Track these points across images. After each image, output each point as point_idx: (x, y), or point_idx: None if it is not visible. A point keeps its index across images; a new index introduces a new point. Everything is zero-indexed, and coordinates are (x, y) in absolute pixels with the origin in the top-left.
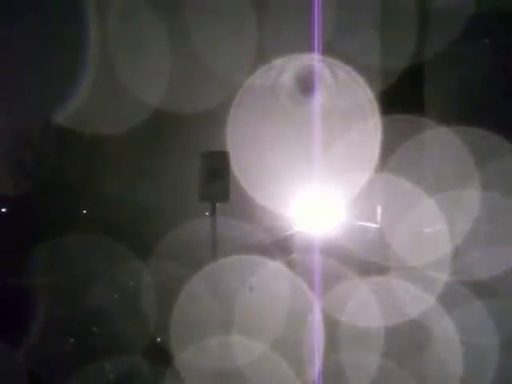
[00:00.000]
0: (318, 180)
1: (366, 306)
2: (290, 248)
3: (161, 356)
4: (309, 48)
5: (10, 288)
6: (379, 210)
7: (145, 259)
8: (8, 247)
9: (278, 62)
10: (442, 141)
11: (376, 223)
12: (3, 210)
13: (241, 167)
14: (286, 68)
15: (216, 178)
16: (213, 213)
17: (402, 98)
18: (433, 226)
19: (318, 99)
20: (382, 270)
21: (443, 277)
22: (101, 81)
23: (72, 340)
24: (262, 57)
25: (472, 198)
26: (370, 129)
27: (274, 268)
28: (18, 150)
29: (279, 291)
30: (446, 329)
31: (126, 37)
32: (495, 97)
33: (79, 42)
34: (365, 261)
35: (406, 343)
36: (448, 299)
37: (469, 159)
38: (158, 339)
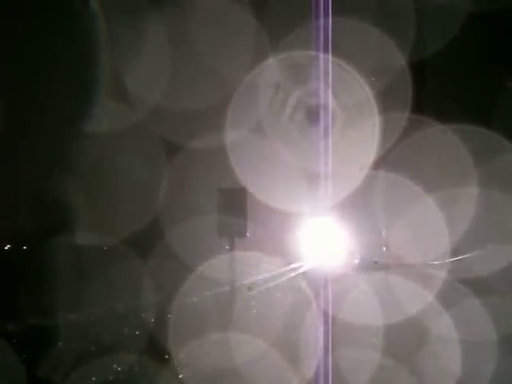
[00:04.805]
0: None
1: (364, 304)
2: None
3: (160, 355)
4: (308, 47)
5: (32, 328)
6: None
7: (166, 294)
8: (29, 286)
9: (277, 61)
10: (441, 139)
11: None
12: (24, 247)
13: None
14: (286, 67)
15: (233, 214)
16: (231, 248)
17: (401, 97)
18: (432, 224)
19: (319, 99)
20: (381, 267)
21: (442, 274)
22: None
23: (94, 378)
24: (262, 55)
25: (471, 196)
26: (373, 129)
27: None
28: (39, 186)
29: (278, 289)
30: (444, 326)
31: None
32: (495, 96)
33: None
34: (364, 258)
35: (404, 341)
36: (447, 297)
37: (468, 157)
38: (180, 376)
